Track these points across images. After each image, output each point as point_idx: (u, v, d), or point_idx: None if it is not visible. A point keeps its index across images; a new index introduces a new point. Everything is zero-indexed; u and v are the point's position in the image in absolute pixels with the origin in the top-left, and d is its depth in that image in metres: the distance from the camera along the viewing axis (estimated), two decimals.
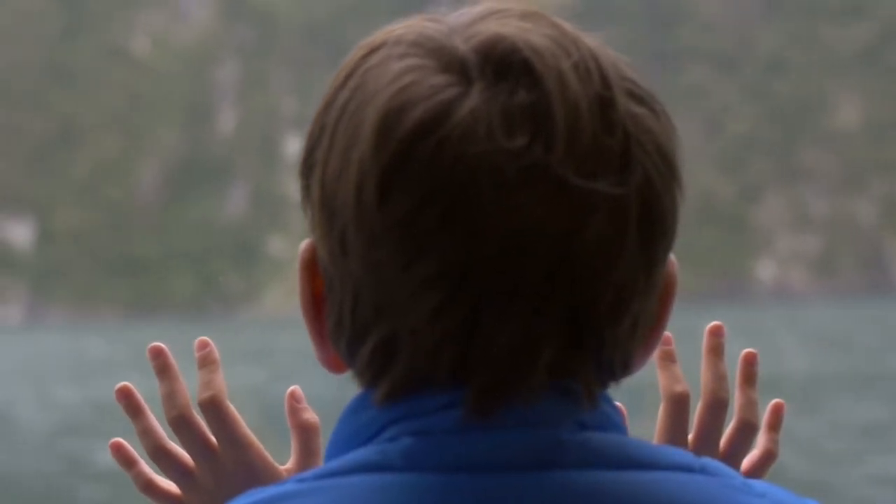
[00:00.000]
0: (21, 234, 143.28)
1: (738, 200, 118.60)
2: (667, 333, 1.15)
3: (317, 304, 0.82)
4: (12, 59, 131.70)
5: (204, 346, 1.14)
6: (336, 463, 0.79)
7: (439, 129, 0.76)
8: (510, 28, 0.79)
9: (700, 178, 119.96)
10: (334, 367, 0.83)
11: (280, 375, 33.93)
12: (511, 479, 0.77)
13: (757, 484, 0.85)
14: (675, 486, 0.80)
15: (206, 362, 1.13)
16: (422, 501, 0.76)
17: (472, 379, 0.78)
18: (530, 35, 0.78)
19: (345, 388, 29.47)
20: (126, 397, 1.15)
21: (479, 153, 0.75)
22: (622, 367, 0.82)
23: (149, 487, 1.15)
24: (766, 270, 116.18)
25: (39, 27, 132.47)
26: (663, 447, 0.82)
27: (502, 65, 0.77)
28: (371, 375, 0.80)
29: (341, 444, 0.81)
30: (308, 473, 0.80)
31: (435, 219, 0.75)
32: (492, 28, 0.79)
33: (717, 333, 1.16)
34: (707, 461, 0.84)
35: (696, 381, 30.02)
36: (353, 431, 0.80)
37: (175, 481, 1.15)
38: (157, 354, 1.14)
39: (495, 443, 0.78)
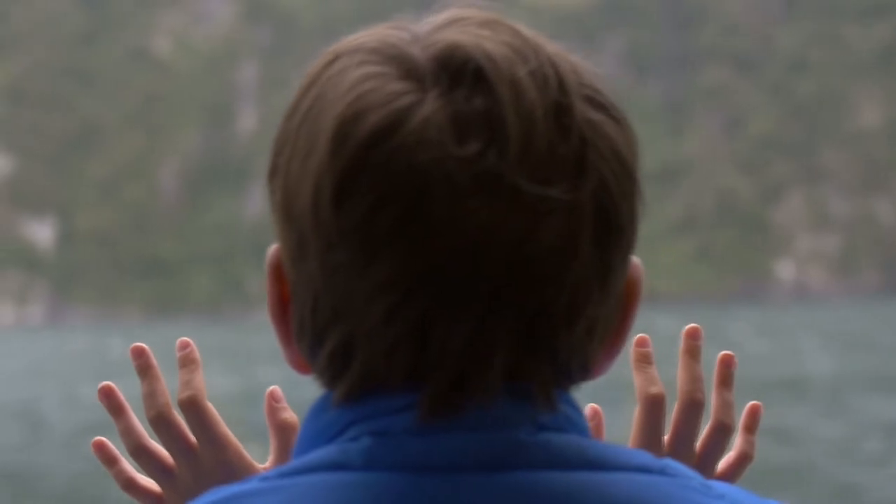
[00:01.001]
0: (43, 234, 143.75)
1: (758, 200, 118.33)
2: (643, 335, 1.16)
3: (283, 307, 0.83)
4: (35, 61, 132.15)
5: (185, 346, 1.15)
6: (299, 461, 0.80)
7: (394, 136, 0.77)
8: (468, 36, 0.80)
9: (721, 178, 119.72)
10: (300, 368, 0.84)
11: (298, 376, 33.91)
12: (468, 479, 0.78)
13: (717, 485, 0.85)
14: (633, 486, 0.80)
15: (187, 362, 1.15)
16: (378, 500, 0.77)
17: (427, 381, 0.79)
18: (487, 43, 0.79)
19: None
20: (108, 397, 1.17)
21: (432, 160, 0.76)
22: (581, 370, 0.82)
23: (130, 485, 1.17)
24: (786, 270, 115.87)
25: (61, 29, 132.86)
26: (623, 448, 0.83)
27: (457, 73, 0.78)
28: (330, 376, 0.81)
29: (306, 443, 0.82)
30: (271, 472, 0.81)
31: (388, 224, 0.77)
32: (450, 36, 0.80)
33: (693, 336, 1.17)
34: (667, 462, 0.84)
35: (709, 383, 29.99)
36: (316, 431, 0.82)
37: (155, 479, 1.16)
38: (139, 354, 1.16)
39: (452, 444, 0.79)
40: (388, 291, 0.78)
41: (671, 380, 30.25)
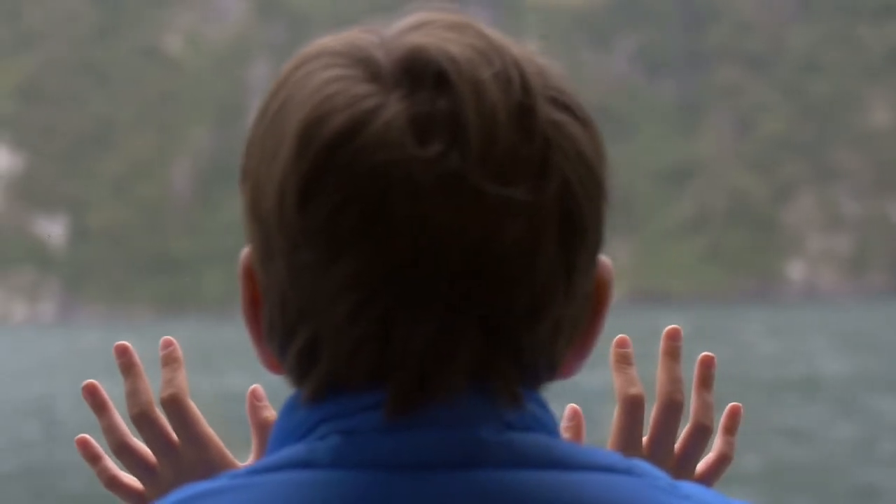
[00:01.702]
0: (55, 231, 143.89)
1: (769, 200, 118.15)
2: (622, 336, 1.17)
3: (254, 308, 0.84)
4: (47, 59, 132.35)
5: (167, 345, 1.16)
6: (268, 459, 0.81)
7: (356, 138, 0.78)
8: (432, 39, 0.81)
9: (732, 178, 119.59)
10: (272, 368, 0.85)
11: None
12: (432, 477, 0.79)
13: (685, 485, 0.86)
14: (597, 486, 0.81)
15: (169, 361, 1.15)
16: (344, 497, 0.78)
17: (391, 380, 0.80)
18: (450, 45, 0.80)
19: None
20: (91, 394, 1.18)
21: (394, 161, 0.77)
22: (548, 369, 0.83)
23: (112, 482, 1.18)
24: (796, 270, 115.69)
25: (74, 27, 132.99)
26: (590, 448, 0.83)
27: (419, 75, 0.79)
28: (298, 375, 0.82)
29: (277, 441, 0.83)
30: (242, 469, 0.82)
31: (351, 225, 0.78)
32: (415, 39, 0.81)
33: (673, 337, 1.17)
34: (635, 462, 0.84)
35: (728, 384, 29.99)
36: (287, 429, 0.82)
37: (137, 477, 1.17)
38: (122, 353, 1.17)
39: (415, 442, 0.79)
40: (352, 291, 0.78)
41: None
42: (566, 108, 0.82)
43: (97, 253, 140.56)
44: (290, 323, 0.81)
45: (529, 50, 0.84)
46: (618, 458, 0.83)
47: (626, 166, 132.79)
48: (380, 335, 0.79)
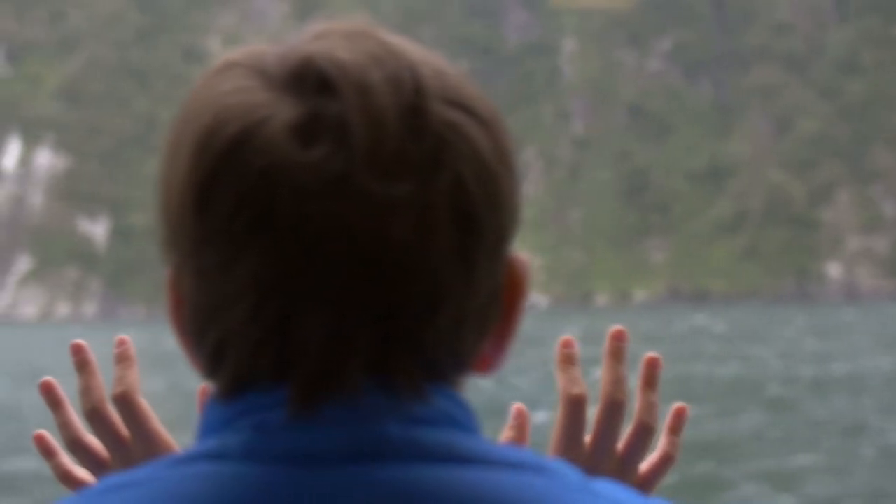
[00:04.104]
0: (97, 231, 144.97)
1: (807, 200, 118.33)
2: (568, 337, 1.20)
3: (179, 311, 0.88)
4: (89, 60, 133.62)
5: (121, 343, 1.20)
6: (186, 452, 0.84)
7: (247, 145, 0.81)
8: (324, 46, 0.84)
9: (770, 178, 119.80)
10: (199, 368, 0.88)
11: None
12: (333, 472, 0.81)
13: (598, 483, 0.87)
14: (501, 483, 0.82)
15: (122, 359, 1.20)
16: (250, 490, 0.81)
17: (292, 377, 0.82)
18: (340, 52, 0.83)
19: None
20: (47, 392, 1.22)
21: (280, 166, 0.80)
22: (454, 364, 0.85)
23: (66, 476, 1.22)
24: (834, 270, 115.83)
25: (116, 29, 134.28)
26: (498, 445, 0.84)
27: (308, 82, 0.82)
28: (209, 374, 0.85)
29: (199, 435, 0.86)
30: (162, 461, 0.85)
31: (245, 228, 0.81)
32: (308, 48, 0.84)
33: (618, 338, 1.20)
34: (546, 460, 0.86)
35: (772, 382, 30.57)
36: (207, 424, 0.86)
37: (90, 471, 1.21)
38: (77, 351, 1.21)
39: (319, 437, 0.82)
40: (249, 293, 0.81)
41: (715, 377, 30.83)
42: (464, 108, 0.85)
43: (139, 252, 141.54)
44: (201, 324, 0.84)
45: (432, 55, 0.87)
46: (527, 456, 0.85)
47: (663, 167, 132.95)
48: (279, 335, 0.82)
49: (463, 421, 0.85)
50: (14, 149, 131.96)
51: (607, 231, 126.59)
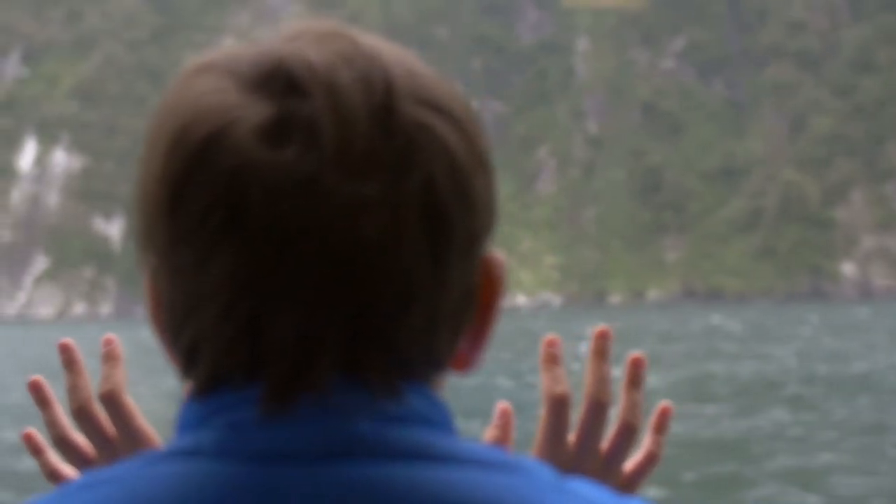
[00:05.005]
0: (112, 230, 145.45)
1: (822, 199, 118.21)
2: (551, 336, 1.19)
3: (158, 311, 0.88)
4: (106, 60, 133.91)
5: (108, 342, 1.21)
6: (163, 450, 0.85)
7: (219, 145, 0.82)
8: (296, 47, 0.85)
9: (784, 176, 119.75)
10: (176, 366, 0.88)
11: None
12: (304, 470, 0.82)
13: (573, 483, 0.87)
14: (472, 481, 0.82)
15: (109, 358, 1.21)
16: (222, 487, 0.82)
17: (265, 374, 0.83)
18: (311, 53, 0.84)
19: None
20: (36, 390, 1.23)
21: (251, 167, 0.81)
22: (428, 362, 0.85)
23: (53, 474, 1.23)
24: (849, 269, 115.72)
25: (131, 29, 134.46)
26: (471, 444, 0.84)
27: (279, 83, 0.83)
28: (186, 372, 0.86)
29: (176, 433, 0.87)
30: (138, 459, 0.86)
31: (217, 228, 0.82)
32: (280, 49, 0.85)
33: (603, 337, 1.19)
34: (519, 459, 0.85)
35: (776, 380, 30.65)
36: (183, 421, 0.86)
37: (77, 468, 1.22)
38: (64, 350, 1.23)
39: (290, 435, 0.82)
40: (221, 292, 0.82)
41: (733, 376, 30.90)
42: (435, 108, 0.85)
43: None
44: (177, 323, 0.85)
45: (406, 55, 0.87)
46: (500, 455, 0.85)
47: (677, 165, 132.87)
48: (252, 334, 0.82)
49: (437, 419, 0.85)
50: (30, 149, 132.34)
51: (621, 230, 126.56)
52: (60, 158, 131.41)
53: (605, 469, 1.19)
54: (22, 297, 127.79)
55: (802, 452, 17.22)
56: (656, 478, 15.29)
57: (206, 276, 0.82)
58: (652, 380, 30.14)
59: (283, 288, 0.82)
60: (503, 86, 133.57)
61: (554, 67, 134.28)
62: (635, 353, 1.20)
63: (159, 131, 0.85)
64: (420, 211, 0.83)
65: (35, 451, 1.23)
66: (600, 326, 1.19)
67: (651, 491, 14.47)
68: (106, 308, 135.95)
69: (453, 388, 27.86)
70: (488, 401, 25.71)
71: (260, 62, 0.85)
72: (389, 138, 0.82)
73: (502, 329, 62.43)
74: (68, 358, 1.22)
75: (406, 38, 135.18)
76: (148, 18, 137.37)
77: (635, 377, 1.20)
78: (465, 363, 0.88)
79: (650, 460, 1.21)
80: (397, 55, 0.87)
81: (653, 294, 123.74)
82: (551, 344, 1.18)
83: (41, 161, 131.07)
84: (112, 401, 1.19)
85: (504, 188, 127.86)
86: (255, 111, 0.82)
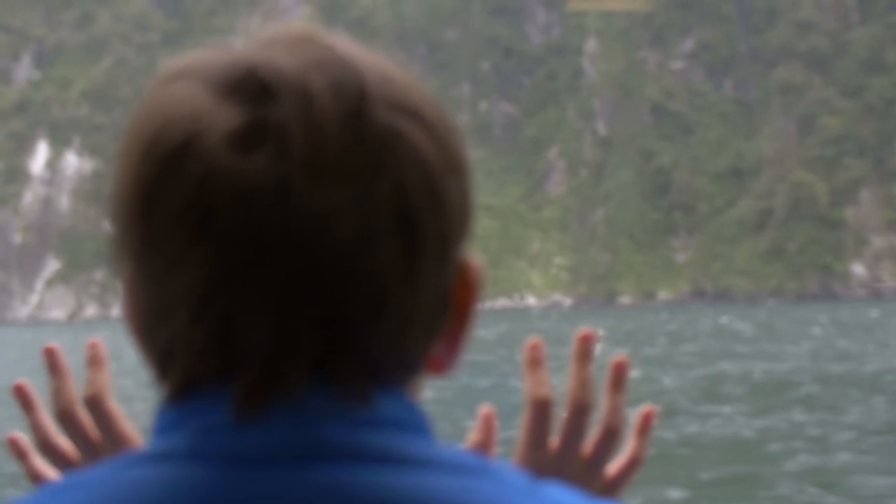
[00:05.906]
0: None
1: (831, 199, 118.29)
2: (535, 339, 1.18)
3: (134, 315, 0.89)
4: (117, 63, 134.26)
5: (92, 346, 1.21)
6: (137, 453, 0.86)
7: (191, 151, 0.83)
8: (268, 54, 0.85)
9: (793, 177, 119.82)
10: (151, 371, 0.88)
11: None
12: (271, 473, 0.82)
13: (545, 487, 0.87)
14: (440, 485, 0.83)
15: (93, 361, 1.20)
16: (192, 490, 0.82)
17: (236, 378, 0.83)
18: (283, 59, 0.84)
19: None
20: (20, 394, 1.23)
21: (223, 174, 0.82)
22: (401, 366, 0.85)
23: (37, 479, 1.23)
24: (859, 269, 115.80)
25: (142, 32, 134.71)
26: (443, 448, 0.85)
27: (249, 90, 0.84)
28: (159, 376, 0.87)
29: (151, 437, 0.87)
30: (113, 462, 0.86)
31: (188, 233, 0.82)
32: (253, 56, 0.85)
33: (586, 340, 1.18)
34: (490, 463, 0.86)
35: (789, 380, 30.82)
36: (157, 426, 0.87)
37: (61, 473, 1.22)
38: (49, 354, 1.21)
39: (259, 438, 0.83)
40: (193, 297, 0.83)
41: (746, 376, 31.07)
42: (409, 113, 0.85)
43: None
44: (150, 327, 0.86)
45: (382, 60, 0.87)
46: (470, 458, 0.85)
47: (686, 166, 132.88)
48: (223, 338, 0.83)
49: (410, 423, 0.85)
50: (42, 151, 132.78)
51: (631, 231, 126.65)
52: (72, 161, 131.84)
53: (587, 473, 1.18)
54: (34, 299, 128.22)
55: (820, 452, 17.39)
56: (673, 478, 15.47)
57: (177, 281, 0.82)
58: (665, 380, 30.35)
59: (253, 293, 0.82)
60: (513, 87, 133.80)
61: (563, 69, 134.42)
62: (618, 356, 1.19)
63: (132, 137, 0.85)
64: (392, 216, 0.82)
65: (19, 454, 1.23)
66: (584, 329, 1.18)
67: (669, 491, 14.66)
68: (118, 310, 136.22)
69: (466, 389, 28.09)
70: (501, 402, 25.86)
71: (232, 69, 0.84)
72: (361, 144, 0.82)
73: (513, 330, 62.71)
74: (53, 362, 1.22)
75: (416, 41, 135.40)
76: (159, 22, 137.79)
77: (618, 381, 1.19)
78: (441, 366, 0.88)
79: (633, 464, 1.20)
80: (372, 60, 0.86)
81: (663, 294, 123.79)
82: (534, 347, 1.18)
83: (53, 164, 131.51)
84: (96, 404, 1.19)
85: (514, 190, 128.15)
86: (226, 118, 0.82)
